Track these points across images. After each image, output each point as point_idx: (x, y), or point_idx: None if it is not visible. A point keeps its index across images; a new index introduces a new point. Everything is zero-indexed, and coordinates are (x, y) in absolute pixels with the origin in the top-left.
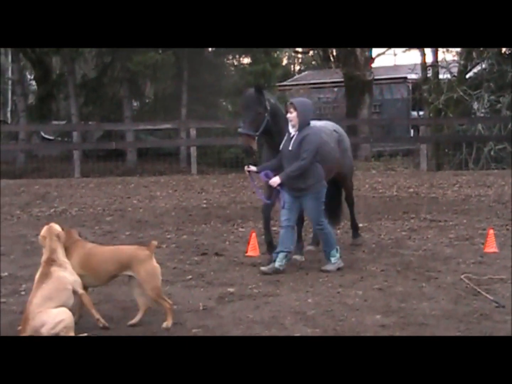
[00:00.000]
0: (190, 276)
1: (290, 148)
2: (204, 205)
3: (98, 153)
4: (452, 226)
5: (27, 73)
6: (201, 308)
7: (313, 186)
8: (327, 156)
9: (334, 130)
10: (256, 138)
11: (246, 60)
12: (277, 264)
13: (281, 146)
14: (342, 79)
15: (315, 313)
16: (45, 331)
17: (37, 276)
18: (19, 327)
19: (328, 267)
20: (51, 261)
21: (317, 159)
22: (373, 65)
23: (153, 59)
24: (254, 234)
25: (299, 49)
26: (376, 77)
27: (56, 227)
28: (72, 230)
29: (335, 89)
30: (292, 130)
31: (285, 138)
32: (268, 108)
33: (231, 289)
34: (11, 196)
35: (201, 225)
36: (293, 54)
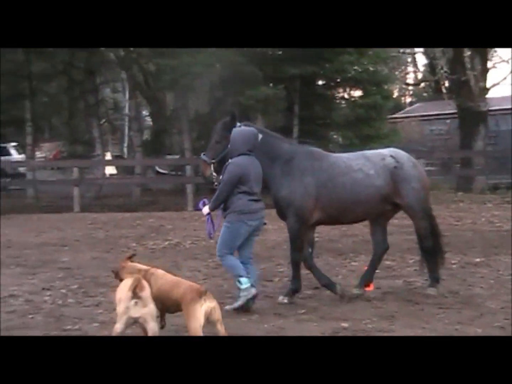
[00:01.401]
0: (303, 310)
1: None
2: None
3: (210, 187)
4: None
5: (142, 110)
6: None
7: (228, 215)
8: (337, 187)
9: (391, 156)
10: (212, 165)
11: (357, 93)
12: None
13: None
14: (455, 111)
15: None
16: None
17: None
18: None
19: (236, 304)
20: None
21: (242, 189)
22: (487, 95)
23: (264, 93)
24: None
25: (410, 81)
26: (491, 108)
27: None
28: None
29: (448, 120)
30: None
31: None
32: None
33: (344, 324)
34: (127, 229)
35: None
36: (404, 86)
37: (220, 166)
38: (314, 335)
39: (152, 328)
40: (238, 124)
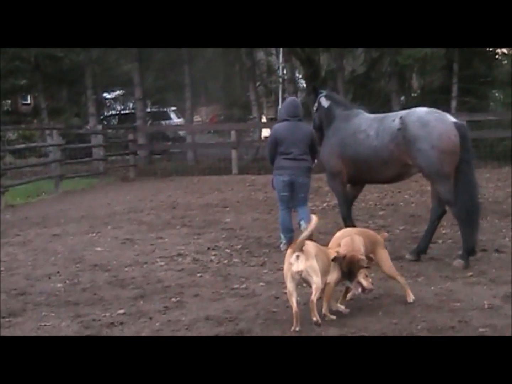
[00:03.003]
0: (471, 273)
1: None
2: (480, 200)
3: None
4: None
5: (296, 72)
6: (486, 306)
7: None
8: (348, 146)
9: (400, 117)
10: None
11: None
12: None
13: None
14: None
15: None
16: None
17: None
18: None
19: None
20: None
21: (279, 150)
22: None
23: (422, 52)
24: None
25: None
26: None
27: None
28: None
29: None
30: None
31: None
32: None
33: None
34: None
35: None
36: None
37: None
38: (487, 299)
39: (316, 282)
40: (321, 92)
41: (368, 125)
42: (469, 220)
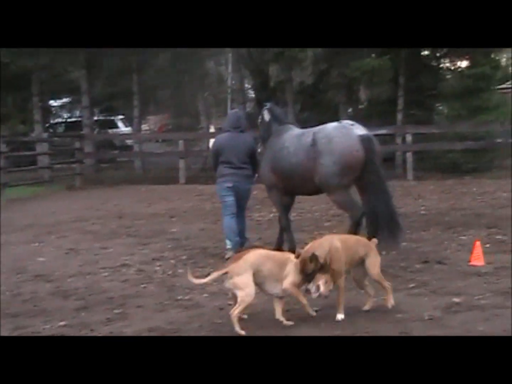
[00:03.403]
0: (413, 284)
1: None
2: (423, 212)
3: None
4: None
5: (245, 82)
6: (427, 317)
7: None
8: (276, 161)
9: (313, 133)
10: None
11: (464, 63)
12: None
13: None
14: None
15: None
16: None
17: None
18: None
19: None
20: None
21: (220, 159)
22: None
23: (369, 65)
24: (478, 243)
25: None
26: None
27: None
28: None
29: None
30: None
31: None
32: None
33: (457, 299)
34: None
35: (420, 232)
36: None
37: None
38: (428, 311)
39: (241, 297)
40: (265, 105)
41: (290, 142)
42: (388, 226)
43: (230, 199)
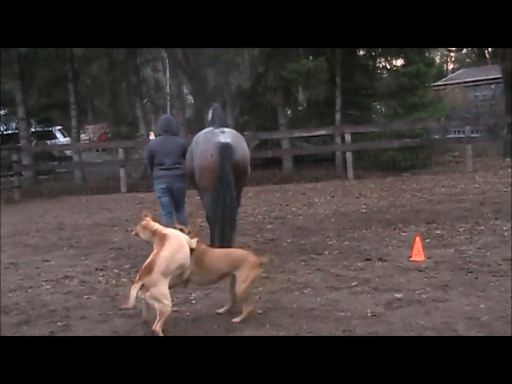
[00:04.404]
0: (355, 282)
1: None
2: (364, 210)
3: (255, 162)
4: None
5: (183, 88)
6: (369, 314)
7: None
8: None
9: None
10: None
11: (399, 62)
12: None
13: None
14: (500, 75)
15: (489, 319)
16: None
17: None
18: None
19: None
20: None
21: (154, 161)
22: None
23: (305, 66)
24: (418, 238)
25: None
26: None
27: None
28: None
29: (493, 86)
30: None
31: None
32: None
33: (398, 295)
34: None
35: (362, 230)
36: (445, 52)
37: None
38: (370, 307)
39: (158, 309)
40: (212, 105)
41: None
42: (223, 229)
43: (166, 199)
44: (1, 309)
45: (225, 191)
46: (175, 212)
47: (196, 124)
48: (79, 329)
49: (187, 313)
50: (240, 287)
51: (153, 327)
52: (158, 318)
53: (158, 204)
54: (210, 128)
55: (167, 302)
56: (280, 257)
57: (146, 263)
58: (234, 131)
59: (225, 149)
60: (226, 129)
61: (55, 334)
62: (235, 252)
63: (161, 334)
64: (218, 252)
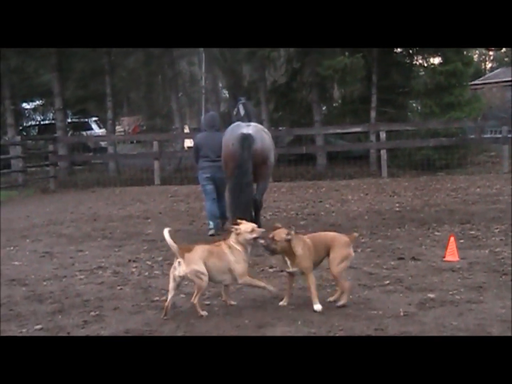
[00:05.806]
0: (387, 281)
1: None
2: (397, 209)
3: (289, 158)
4: None
5: (219, 82)
6: (401, 314)
7: None
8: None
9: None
10: None
11: (437, 60)
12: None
13: None
14: None
15: None
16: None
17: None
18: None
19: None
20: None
21: (200, 154)
22: None
23: (342, 63)
24: (452, 239)
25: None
26: None
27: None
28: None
29: None
30: None
31: None
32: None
33: (431, 295)
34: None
35: (395, 229)
36: (484, 51)
37: None
38: (403, 307)
39: (197, 284)
40: (241, 99)
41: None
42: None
43: (210, 187)
44: (36, 297)
45: (242, 177)
46: (217, 200)
47: (230, 118)
48: (112, 320)
49: (218, 308)
50: (337, 268)
51: (192, 299)
52: (195, 292)
53: (202, 192)
54: (239, 122)
55: (206, 278)
56: None
57: None
58: (260, 125)
59: (245, 139)
60: (252, 123)
61: (88, 324)
62: (326, 234)
63: (198, 307)
64: (312, 237)
